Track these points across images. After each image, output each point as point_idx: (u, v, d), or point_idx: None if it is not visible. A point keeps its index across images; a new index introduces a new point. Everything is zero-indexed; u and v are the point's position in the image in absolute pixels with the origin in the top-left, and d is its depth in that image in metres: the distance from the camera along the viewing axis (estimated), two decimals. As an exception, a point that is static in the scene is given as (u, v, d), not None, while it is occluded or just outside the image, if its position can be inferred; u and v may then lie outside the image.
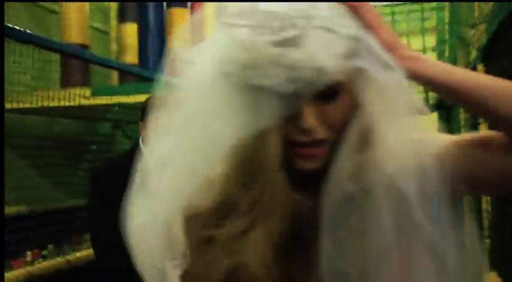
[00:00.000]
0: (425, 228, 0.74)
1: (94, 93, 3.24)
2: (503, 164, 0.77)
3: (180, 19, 4.09)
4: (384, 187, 0.75)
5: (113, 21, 4.55)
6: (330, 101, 0.77)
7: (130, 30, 4.00)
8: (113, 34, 4.54)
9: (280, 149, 0.77)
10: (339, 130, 0.78)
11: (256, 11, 0.74)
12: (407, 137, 0.77)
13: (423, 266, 0.76)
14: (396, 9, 4.99)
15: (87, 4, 3.77)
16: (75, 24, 3.56)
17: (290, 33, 0.72)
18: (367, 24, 0.77)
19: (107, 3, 4.51)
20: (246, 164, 0.80)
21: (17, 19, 3.35)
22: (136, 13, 3.99)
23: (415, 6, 4.92)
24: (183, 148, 0.84)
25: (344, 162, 0.77)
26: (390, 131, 0.77)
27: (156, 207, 0.85)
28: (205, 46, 0.81)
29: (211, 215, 0.83)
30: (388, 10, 5.04)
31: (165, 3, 3.97)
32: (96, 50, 4.00)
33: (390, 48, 0.77)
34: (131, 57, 4.00)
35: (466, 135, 0.83)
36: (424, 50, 4.87)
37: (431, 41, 4.88)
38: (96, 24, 4.32)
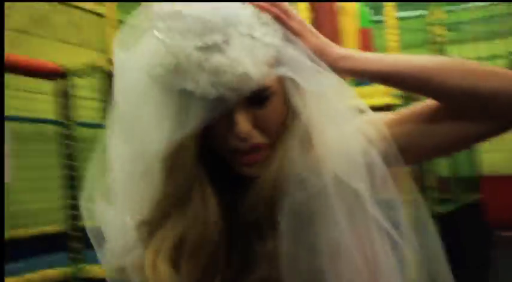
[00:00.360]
0: (381, 222, 0.75)
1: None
2: (451, 130, 0.79)
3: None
4: (335, 187, 0.75)
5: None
6: (261, 106, 0.77)
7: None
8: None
9: (196, 157, 0.77)
10: (274, 134, 0.79)
11: (183, 16, 0.74)
12: (346, 132, 0.77)
13: (384, 259, 0.77)
14: (462, 15, 4.92)
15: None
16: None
17: (214, 38, 0.72)
18: (293, 32, 0.78)
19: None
20: (166, 167, 0.79)
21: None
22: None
23: (482, 11, 4.81)
24: (123, 155, 0.83)
25: (291, 168, 0.76)
26: (328, 130, 0.77)
27: (114, 218, 0.85)
28: (139, 51, 0.80)
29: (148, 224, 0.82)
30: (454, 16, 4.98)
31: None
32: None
33: (320, 52, 0.79)
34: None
35: (405, 110, 0.84)
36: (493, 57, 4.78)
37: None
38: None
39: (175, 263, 0.77)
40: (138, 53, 0.79)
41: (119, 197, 0.84)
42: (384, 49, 3.24)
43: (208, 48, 0.72)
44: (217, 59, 0.72)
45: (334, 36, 3.99)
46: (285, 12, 0.78)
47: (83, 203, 0.86)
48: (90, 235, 0.86)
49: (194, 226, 0.78)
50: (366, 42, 4.20)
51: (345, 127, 0.78)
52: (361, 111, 0.81)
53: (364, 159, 0.76)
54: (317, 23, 4.38)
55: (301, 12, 4.18)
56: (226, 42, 0.73)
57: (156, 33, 0.75)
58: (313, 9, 4.35)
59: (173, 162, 0.78)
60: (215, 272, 0.79)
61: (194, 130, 0.75)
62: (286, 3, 0.80)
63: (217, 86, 0.72)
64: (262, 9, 0.77)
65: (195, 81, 0.73)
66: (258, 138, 0.78)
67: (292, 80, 0.77)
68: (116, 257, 0.83)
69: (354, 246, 0.75)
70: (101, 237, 0.85)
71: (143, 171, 0.81)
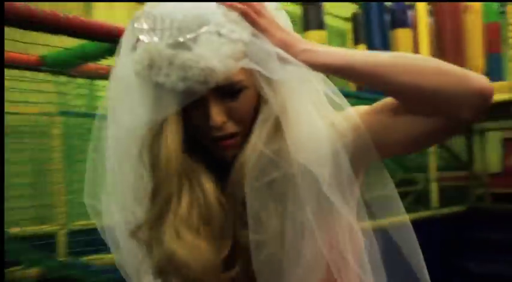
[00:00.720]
0: (341, 210, 0.80)
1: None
2: (407, 125, 0.82)
3: (403, 39, 4.50)
4: (302, 172, 0.79)
5: (349, 44, 5.09)
6: (234, 99, 0.82)
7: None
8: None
9: (179, 142, 0.82)
10: (248, 123, 0.84)
11: (157, 16, 0.80)
12: (317, 123, 0.82)
13: (344, 246, 0.82)
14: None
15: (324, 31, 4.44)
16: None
17: (184, 37, 0.78)
18: (259, 28, 0.82)
19: (342, 27, 5.04)
20: (150, 155, 0.84)
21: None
22: (365, 35, 4.50)
23: None
24: (111, 145, 0.89)
25: (257, 151, 0.81)
26: (297, 118, 0.81)
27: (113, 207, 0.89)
28: (128, 49, 0.85)
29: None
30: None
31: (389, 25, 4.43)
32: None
33: (285, 46, 0.82)
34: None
35: (376, 104, 0.86)
36: None
37: None
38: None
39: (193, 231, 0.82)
40: (130, 51, 0.84)
41: (115, 192, 0.89)
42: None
43: (177, 46, 0.78)
44: (184, 55, 0.77)
45: (457, 34, 4.03)
46: (256, 10, 0.83)
47: (86, 200, 0.92)
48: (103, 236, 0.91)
49: (196, 206, 0.83)
50: (493, 37, 4.21)
51: (313, 116, 0.82)
52: (333, 101, 0.86)
53: (330, 148, 0.81)
54: (438, 22, 4.39)
55: (421, 12, 4.23)
56: (194, 40, 0.78)
57: (135, 33, 0.82)
58: (434, 8, 4.38)
59: (159, 151, 0.83)
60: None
61: (167, 118, 0.81)
62: (258, 3, 0.84)
63: (184, 80, 0.78)
64: (230, 7, 0.82)
65: (166, 75, 0.78)
66: (232, 127, 0.83)
67: (260, 73, 0.81)
68: (128, 258, 0.89)
69: (319, 231, 0.80)
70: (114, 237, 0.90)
71: (131, 164, 0.87)
